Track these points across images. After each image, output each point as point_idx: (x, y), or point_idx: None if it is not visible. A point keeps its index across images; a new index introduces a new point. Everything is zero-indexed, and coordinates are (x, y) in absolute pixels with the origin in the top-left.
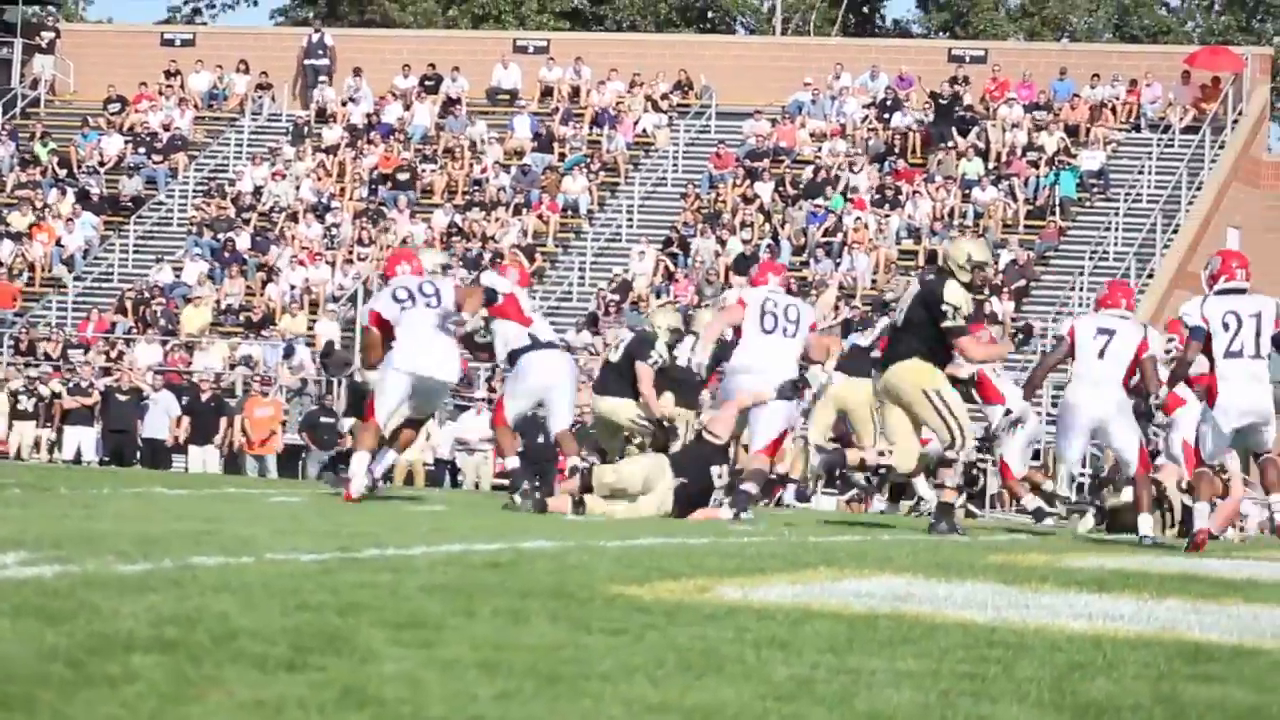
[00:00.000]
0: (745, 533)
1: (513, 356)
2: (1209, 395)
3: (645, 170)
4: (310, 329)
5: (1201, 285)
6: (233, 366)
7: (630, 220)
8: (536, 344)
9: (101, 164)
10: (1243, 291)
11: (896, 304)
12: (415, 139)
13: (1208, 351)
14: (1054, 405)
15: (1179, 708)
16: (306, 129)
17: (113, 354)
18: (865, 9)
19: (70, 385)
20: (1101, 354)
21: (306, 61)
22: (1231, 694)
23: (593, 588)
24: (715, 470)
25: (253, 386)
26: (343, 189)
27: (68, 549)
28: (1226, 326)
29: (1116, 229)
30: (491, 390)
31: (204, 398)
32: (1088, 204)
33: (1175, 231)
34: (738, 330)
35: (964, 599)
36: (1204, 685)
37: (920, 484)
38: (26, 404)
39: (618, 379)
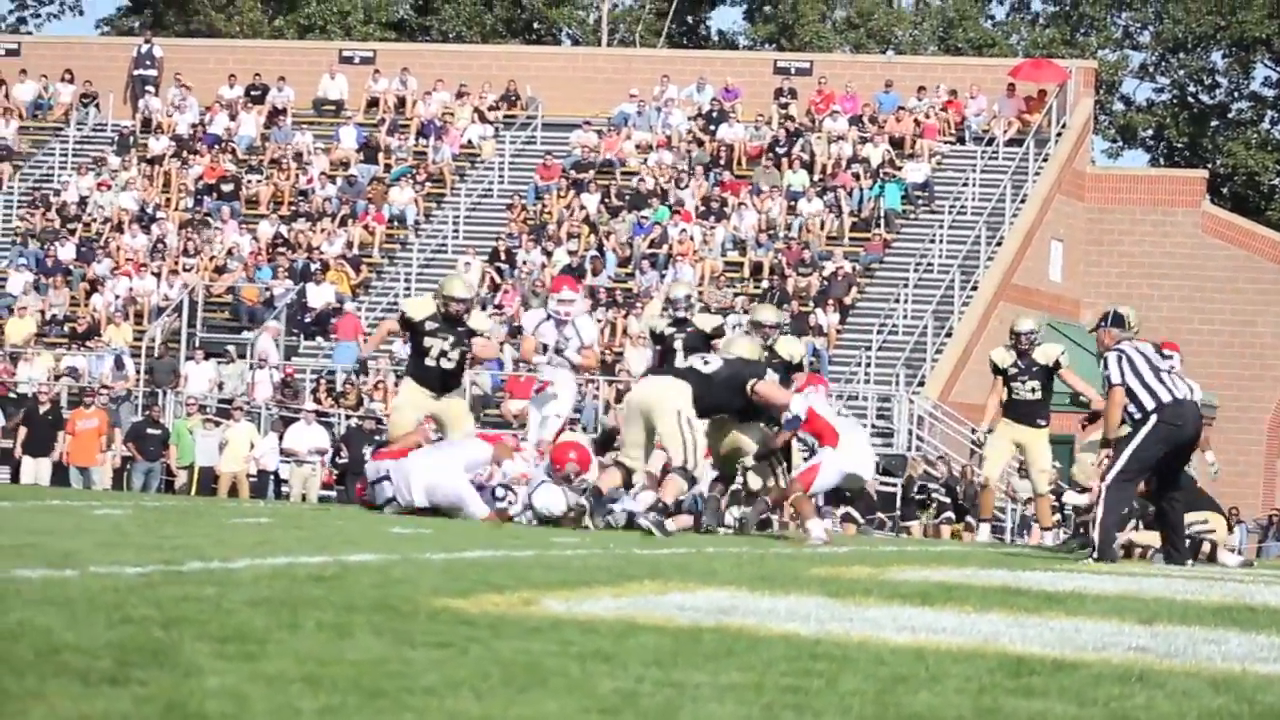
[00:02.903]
0: (570, 545)
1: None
2: None
3: (471, 181)
4: (136, 340)
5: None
6: (57, 378)
7: (456, 231)
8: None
9: None
10: None
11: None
12: (241, 149)
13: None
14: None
15: None
16: (132, 139)
17: None
18: (691, 20)
19: None
20: None
21: (135, 72)
22: (1052, 707)
23: (417, 601)
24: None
25: (80, 399)
26: (168, 199)
27: None
28: None
29: (941, 241)
30: (318, 401)
31: (42, 410)
32: (912, 216)
33: (999, 244)
34: None
35: (788, 612)
36: (1025, 698)
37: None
38: None
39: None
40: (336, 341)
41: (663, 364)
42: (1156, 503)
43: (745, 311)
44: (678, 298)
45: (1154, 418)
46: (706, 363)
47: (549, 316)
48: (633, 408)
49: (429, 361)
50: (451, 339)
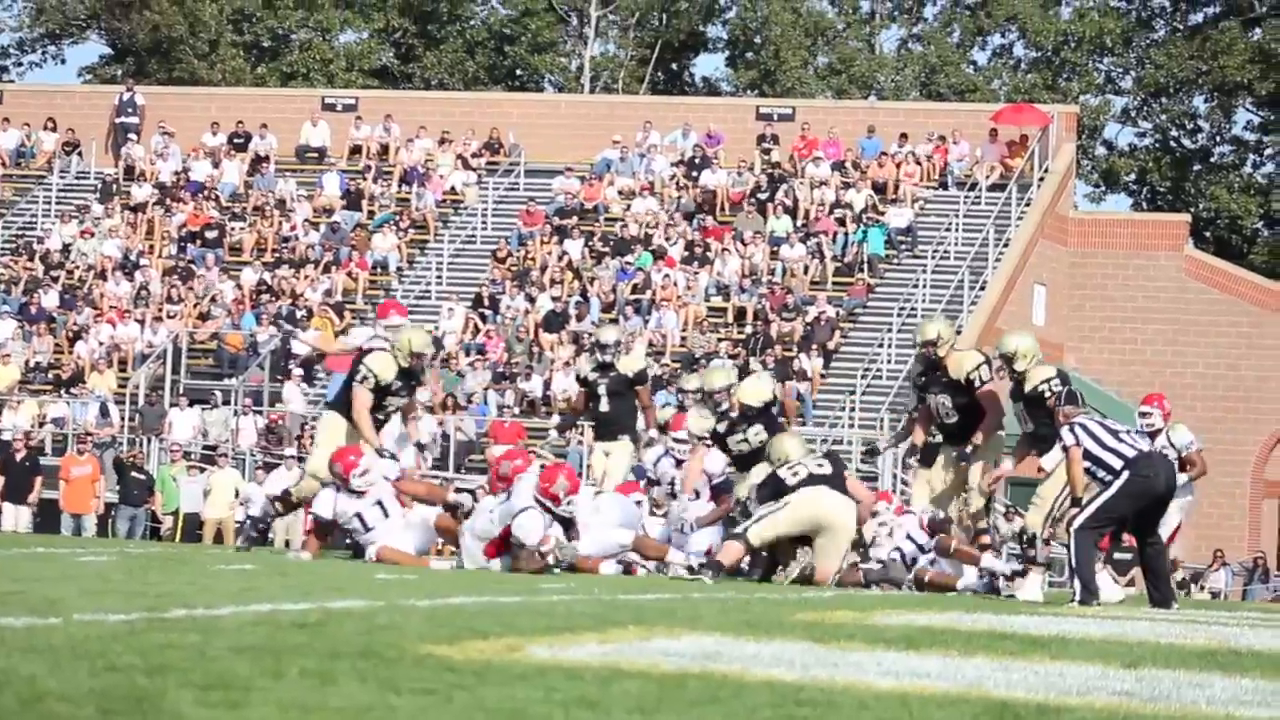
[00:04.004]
0: (555, 590)
1: None
2: None
3: (455, 228)
4: (120, 387)
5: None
6: (41, 424)
7: (440, 278)
8: None
9: None
10: None
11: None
12: (224, 196)
13: None
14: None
15: None
16: (115, 186)
17: None
18: (674, 67)
19: None
20: None
21: (117, 120)
22: None
23: (402, 647)
24: None
25: (67, 445)
26: (151, 246)
27: None
28: None
29: (924, 285)
30: (303, 447)
31: (18, 456)
32: (895, 261)
33: (983, 288)
34: None
35: (772, 657)
36: None
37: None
38: None
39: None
40: (330, 375)
41: (587, 407)
42: (1140, 551)
43: (690, 370)
44: (607, 342)
45: (1126, 473)
46: (820, 466)
47: (667, 452)
48: (803, 513)
49: (380, 416)
50: (405, 395)
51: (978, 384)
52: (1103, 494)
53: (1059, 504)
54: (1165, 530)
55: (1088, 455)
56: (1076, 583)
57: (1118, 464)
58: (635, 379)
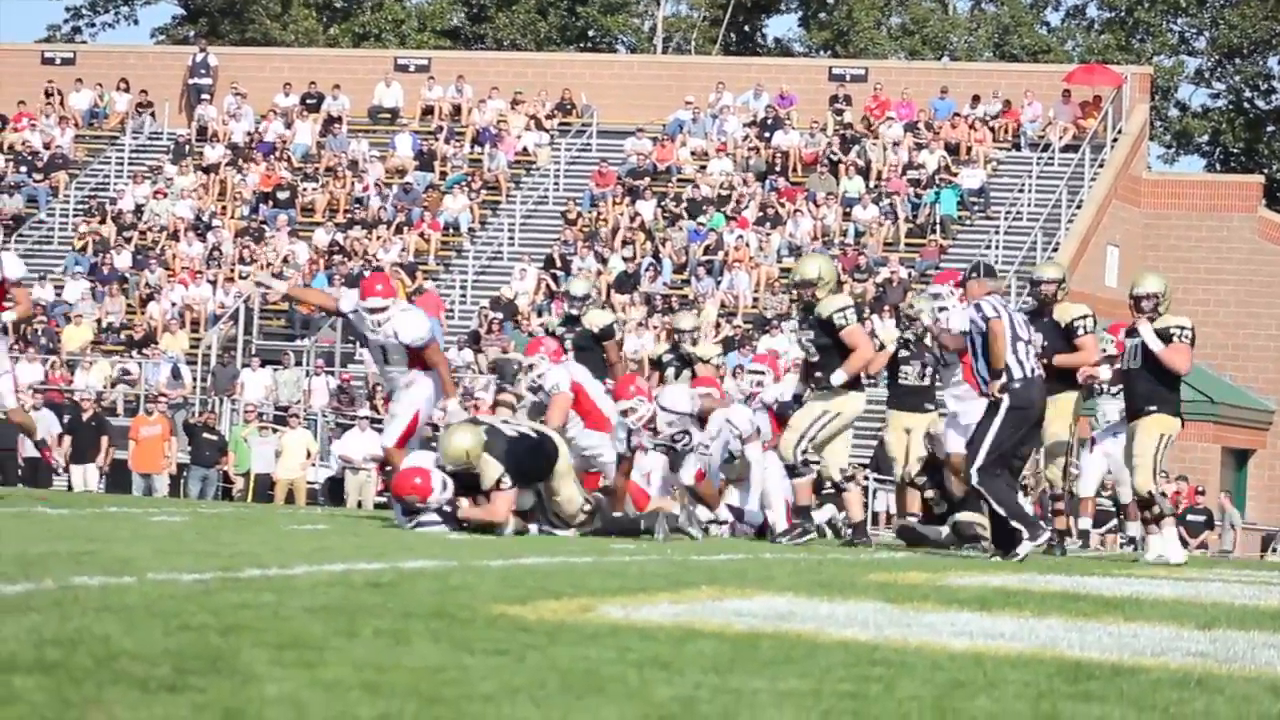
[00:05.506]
0: (627, 551)
1: None
2: None
3: (526, 189)
4: (192, 348)
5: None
6: (114, 385)
7: (511, 239)
8: None
9: None
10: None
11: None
12: (296, 157)
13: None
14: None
15: None
16: (188, 147)
17: None
18: (747, 28)
19: None
20: None
21: (190, 80)
22: (1111, 712)
23: (474, 608)
24: None
25: (139, 405)
26: (224, 207)
27: None
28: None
29: (997, 247)
30: (375, 409)
31: (85, 416)
32: (968, 222)
33: (1055, 249)
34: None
35: (846, 618)
36: (1084, 703)
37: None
38: None
39: None
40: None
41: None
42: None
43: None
44: (576, 295)
45: (1005, 401)
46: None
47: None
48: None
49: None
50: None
51: (838, 325)
52: (987, 431)
53: (1160, 458)
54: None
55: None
56: (1015, 524)
57: (1000, 376)
58: (601, 334)
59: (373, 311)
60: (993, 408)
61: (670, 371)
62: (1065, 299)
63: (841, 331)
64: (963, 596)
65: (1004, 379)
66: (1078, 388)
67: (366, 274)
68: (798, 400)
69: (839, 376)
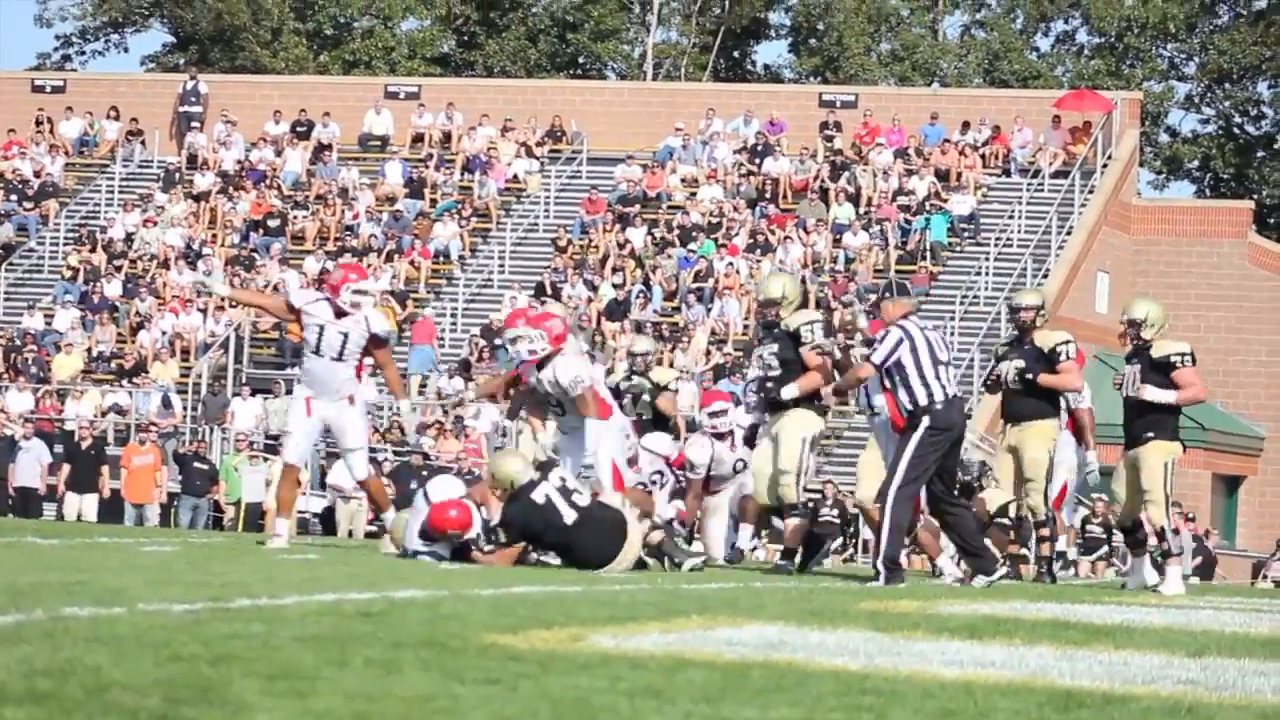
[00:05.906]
0: (618, 580)
1: None
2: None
3: (517, 216)
4: (182, 377)
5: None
6: (104, 414)
7: (502, 266)
8: None
9: None
10: None
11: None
12: (287, 185)
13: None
14: None
15: None
16: (178, 175)
17: None
18: (736, 54)
19: None
20: None
21: (180, 108)
22: None
23: (466, 637)
24: None
25: (130, 435)
26: (214, 235)
27: None
28: None
29: (987, 273)
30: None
31: (84, 445)
32: (958, 249)
33: (1045, 276)
34: None
35: (836, 646)
36: None
37: None
38: None
39: None
40: (411, 346)
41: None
42: (937, 511)
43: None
44: (637, 352)
45: (924, 421)
46: None
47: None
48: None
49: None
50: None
51: (804, 339)
52: (905, 450)
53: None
54: (1053, 489)
55: (900, 372)
56: (883, 552)
57: (922, 399)
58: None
59: (356, 294)
60: (910, 429)
61: (629, 400)
62: (1045, 325)
63: (803, 348)
64: (953, 625)
65: (924, 400)
66: (1058, 414)
67: (331, 267)
68: (754, 430)
69: (790, 391)
